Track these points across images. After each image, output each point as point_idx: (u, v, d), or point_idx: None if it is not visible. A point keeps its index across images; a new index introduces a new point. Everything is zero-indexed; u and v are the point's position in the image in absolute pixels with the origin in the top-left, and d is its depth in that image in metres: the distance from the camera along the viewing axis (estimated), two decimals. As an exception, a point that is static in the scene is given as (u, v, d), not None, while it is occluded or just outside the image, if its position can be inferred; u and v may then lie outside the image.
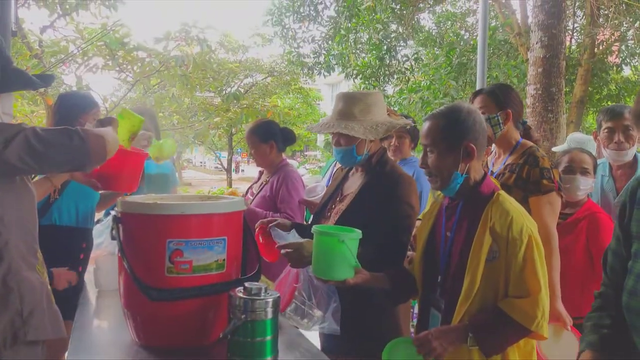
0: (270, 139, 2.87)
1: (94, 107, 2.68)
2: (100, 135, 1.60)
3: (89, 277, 2.42)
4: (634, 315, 1.15)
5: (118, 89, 7.56)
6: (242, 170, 30.45)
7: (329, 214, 2.10)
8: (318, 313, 1.79)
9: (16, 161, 1.42)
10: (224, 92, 9.19)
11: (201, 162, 38.18)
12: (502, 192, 1.63)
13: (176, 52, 5.63)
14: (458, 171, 1.60)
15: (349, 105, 1.99)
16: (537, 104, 5.16)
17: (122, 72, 5.76)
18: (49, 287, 1.65)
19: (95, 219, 2.76)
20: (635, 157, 2.56)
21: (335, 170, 2.43)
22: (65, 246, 2.45)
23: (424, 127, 1.66)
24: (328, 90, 31.99)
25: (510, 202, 1.58)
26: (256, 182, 3.04)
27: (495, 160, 2.39)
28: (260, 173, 3.06)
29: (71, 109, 2.60)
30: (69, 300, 2.17)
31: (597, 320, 1.32)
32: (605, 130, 2.52)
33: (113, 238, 1.58)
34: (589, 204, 2.44)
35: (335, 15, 10.80)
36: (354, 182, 2.09)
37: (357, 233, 1.68)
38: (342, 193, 2.12)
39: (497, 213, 1.54)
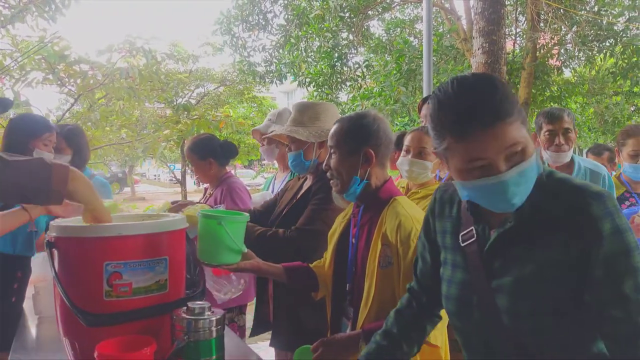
0: (209, 156, 2.82)
1: (46, 132, 2.54)
2: (65, 165, 1.36)
3: (28, 304, 2.30)
4: (451, 316, 1.22)
5: (64, 102, 7.29)
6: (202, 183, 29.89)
7: None
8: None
9: None
10: (174, 103, 9.02)
11: (155, 176, 37.23)
12: (399, 197, 1.59)
13: (121, 64, 5.47)
14: (357, 176, 1.59)
15: (301, 114, 2.12)
16: (481, 107, 5.32)
17: (63, 86, 5.55)
18: None
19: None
20: (572, 158, 2.67)
21: (285, 182, 2.46)
22: None
23: (331, 129, 1.67)
24: (284, 98, 31.99)
25: (403, 207, 1.54)
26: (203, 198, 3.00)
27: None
28: (206, 189, 3.03)
29: (22, 133, 2.48)
30: (4, 330, 2.06)
31: (386, 327, 1.35)
32: (547, 133, 2.61)
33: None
34: None
35: (285, 23, 10.81)
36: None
37: (244, 216, 1.65)
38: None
39: (389, 218, 1.53)
